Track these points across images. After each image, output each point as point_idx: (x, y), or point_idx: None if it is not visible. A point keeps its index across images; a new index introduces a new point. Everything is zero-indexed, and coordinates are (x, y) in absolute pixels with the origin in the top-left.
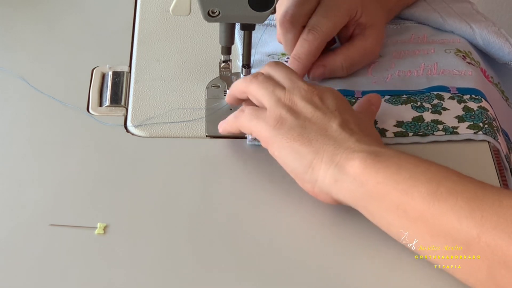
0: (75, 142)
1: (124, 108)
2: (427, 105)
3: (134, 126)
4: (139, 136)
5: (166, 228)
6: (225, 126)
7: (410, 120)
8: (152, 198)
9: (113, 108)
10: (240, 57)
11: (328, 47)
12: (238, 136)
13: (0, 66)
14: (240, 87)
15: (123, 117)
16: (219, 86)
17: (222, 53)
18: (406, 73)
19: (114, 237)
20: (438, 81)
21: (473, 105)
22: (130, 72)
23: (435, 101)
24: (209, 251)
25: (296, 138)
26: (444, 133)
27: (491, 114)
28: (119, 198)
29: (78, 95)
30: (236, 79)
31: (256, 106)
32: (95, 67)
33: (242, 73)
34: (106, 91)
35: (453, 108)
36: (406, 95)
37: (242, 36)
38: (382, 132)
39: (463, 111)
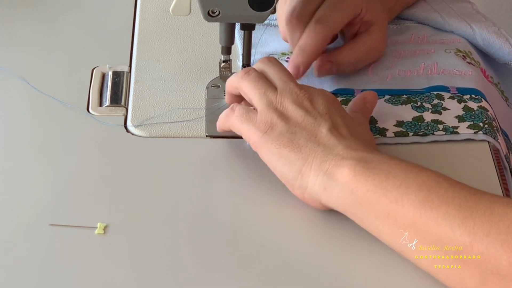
0: (75, 142)
1: (124, 108)
2: (427, 105)
3: (134, 126)
4: (139, 136)
5: (166, 228)
6: (218, 124)
7: (410, 120)
8: (152, 198)
9: (113, 108)
10: (240, 57)
11: (330, 44)
12: (238, 136)
13: (0, 66)
14: (232, 82)
15: (123, 117)
16: (219, 86)
17: (222, 53)
18: (406, 72)
19: (114, 237)
20: (438, 81)
21: (473, 105)
22: (130, 72)
23: (435, 101)
24: (209, 251)
25: (286, 144)
26: (444, 133)
27: (491, 114)
28: (119, 198)
29: (78, 95)
30: None
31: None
32: (95, 67)
33: None
34: (106, 91)
35: (453, 108)
36: (406, 95)
37: (242, 36)
38: (382, 131)
39: (463, 111)
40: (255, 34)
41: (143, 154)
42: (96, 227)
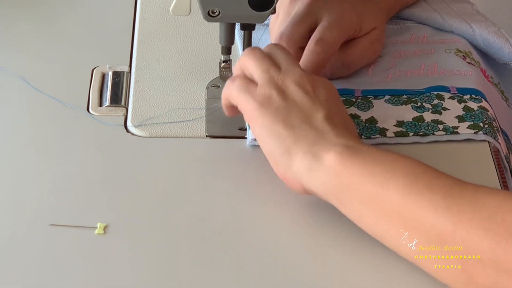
0: (75, 142)
1: (124, 108)
2: (427, 105)
3: (134, 126)
4: (139, 136)
5: (166, 228)
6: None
7: (411, 120)
8: (152, 198)
9: (113, 108)
10: None
11: None
12: (238, 136)
13: (0, 66)
14: (238, 63)
15: (123, 117)
16: (219, 86)
17: (222, 53)
18: (406, 73)
19: (114, 237)
20: (438, 81)
21: (473, 105)
22: (130, 72)
23: (435, 101)
24: (209, 251)
25: (280, 121)
26: (444, 133)
27: (491, 114)
28: (119, 198)
29: (78, 95)
30: None
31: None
32: (95, 67)
33: None
34: (106, 91)
35: (453, 108)
36: (406, 95)
37: (242, 36)
38: (382, 131)
39: (463, 111)
40: (255, 34)
41: (143, 154)
42: (96, 227)
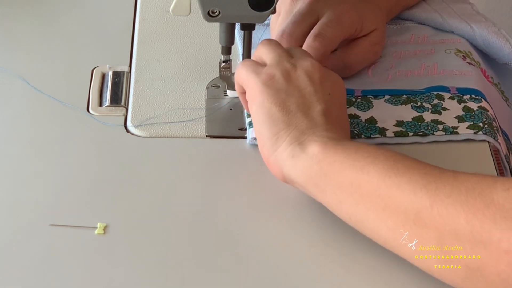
0: (75, 142)
1: (124, 108)
2: (427, 105)
3: (134, 126)
4: (139, 136)
5: (166, 228)
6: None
7: (410, 120)
8: (152, 198)
9: (113, 108)
10: (240, 57)
11: None
12: (238, 136)
13: (0, 66)
14: (254, 54)
15: (123, 117)
16: (219, 86)
17: (222, 53)
18: (406, 73)
19: (114, 237)
20: (438, 81)
21: (473, 105)
22: (130, 72)
23: (435, 101)
24: (209, 251)
25: (278, 103)
26: (444, 133)
27: (491, 114)
28: (119, 198)
29: (78, 95)
30: None
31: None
32: (95, 67)
33: None
34: (106, 91)
35: (453, 108)
36: (406, 95)
37: (242, 36)
38: (382, 131)
39: (463, 111)
40: (255, 34)
41: (143, 154)
42: (96, 227)
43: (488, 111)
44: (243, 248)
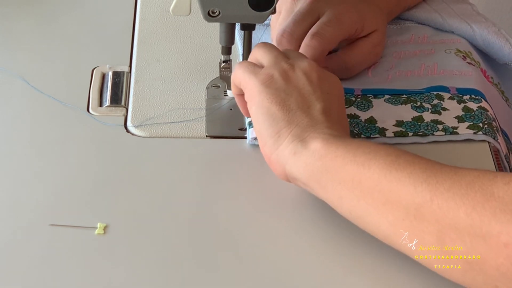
0: (75, 142)
1: (124, 108)
2: (427, 105)
3: (134, 126)
4: (139, 136)
5: (166, 228)
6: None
7: (410, 120)
8: (152, 198)
9: (113, 108)
10: (240, 57)
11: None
12: (238, 136)
13: (0, 66)
14: (250, 56)
15: (123, 117)
16: (219, 86)
17: (222, 53)
18: (406, 73)
19: (114, 237)
20: (438, 81)
21: (472, 105)
22: (130, 72)
23: (435, 101)
24: (209, 251)
25: (278, 102)
26: (444, 133)
27: (491, 114)
28: (119, 198)
29: (78, 95)
30: None
31: None
32: (95, 67)
33: None
34: (106, 91)
35: (453, 108)
36: (406, 95)
37: (242, 36)
38: (382, 131)
39: (462, 111)
40: (255, 34)
41: (143, 154)
42: (96, 227)
43: (488, 111)
44: (243, 248)
